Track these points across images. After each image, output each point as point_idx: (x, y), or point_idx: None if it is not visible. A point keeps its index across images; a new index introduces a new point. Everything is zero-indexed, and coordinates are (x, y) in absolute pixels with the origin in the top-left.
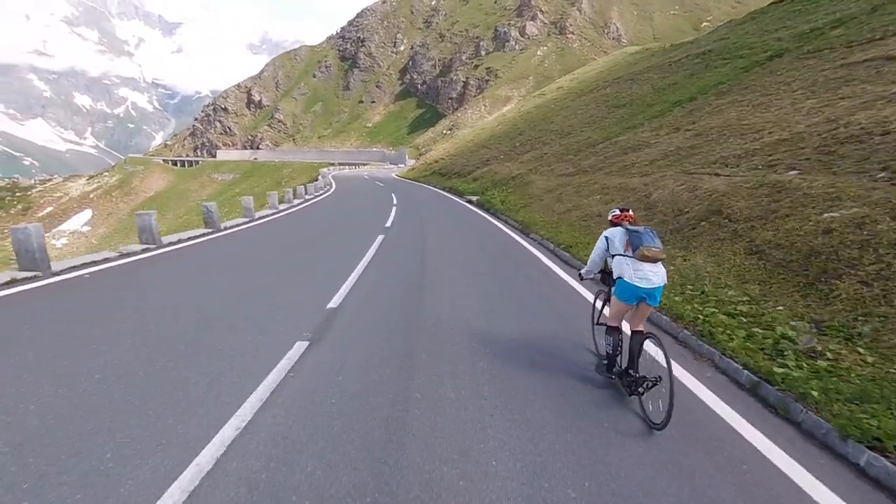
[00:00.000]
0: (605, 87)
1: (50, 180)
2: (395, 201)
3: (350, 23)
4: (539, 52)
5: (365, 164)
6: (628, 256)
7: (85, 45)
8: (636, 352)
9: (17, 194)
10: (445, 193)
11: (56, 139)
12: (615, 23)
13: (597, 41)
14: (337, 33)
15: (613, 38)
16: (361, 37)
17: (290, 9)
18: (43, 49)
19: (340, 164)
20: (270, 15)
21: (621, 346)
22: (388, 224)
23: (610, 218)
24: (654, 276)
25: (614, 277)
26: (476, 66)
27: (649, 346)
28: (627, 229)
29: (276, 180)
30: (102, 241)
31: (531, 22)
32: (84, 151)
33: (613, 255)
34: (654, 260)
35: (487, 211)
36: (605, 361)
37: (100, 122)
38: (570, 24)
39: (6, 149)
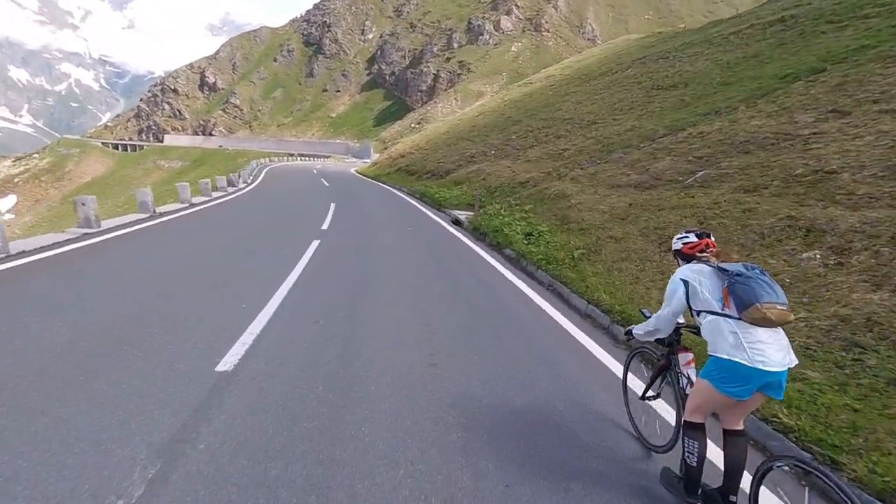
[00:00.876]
0: (623, 70)
1: None
2: (327, 221)
3: (316, 6)
4: (514, 48)
5: (327, 157)
6: (731, 318)
7: (22, 13)
8: (738, 466)
9: None
10: (415, 203)
11: None
12: (591, 23)
13: (572, 40)
14: (301, 16)
15: (588, 39)
16: (327, 21)
17: None
18: None
19: (301, 156)
20: None
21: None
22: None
23: (679, 247)
24: (777, 350)
25: (710, 352)
26: (448, 59)
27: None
28: (722, 270)
29: (229, 170)
30: (28, 230)
31: (506, 17)
32: (19, 130)
33: (699, 311)
34: (776, 324)
35: (494, 247)
36: (683, 478)
37: (38, 98)
38: (546, 22)
39: None
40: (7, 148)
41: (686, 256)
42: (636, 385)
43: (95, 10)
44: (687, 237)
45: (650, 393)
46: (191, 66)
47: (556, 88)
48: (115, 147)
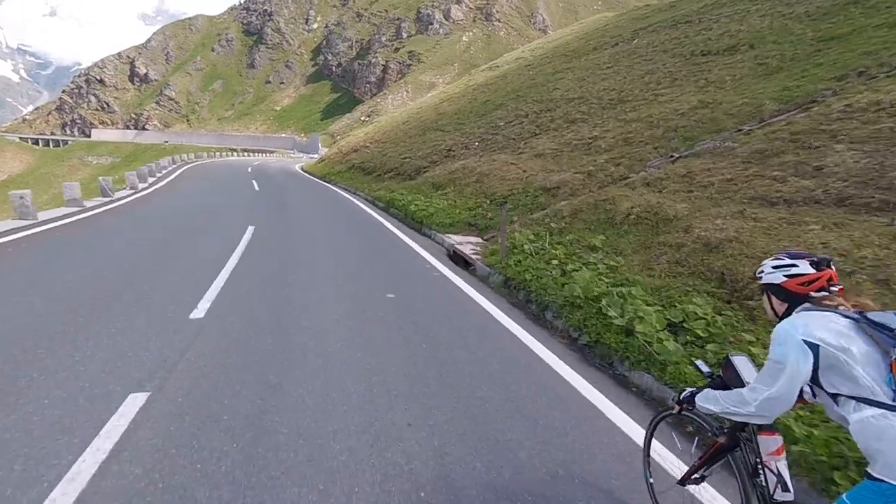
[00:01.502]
0: (628, 41)
1: None
2: (220, 278)
3: None
4: (465, 38)
5: (271, 152)
6: None
7: None
8: None
9: None
10: (379, 217)
11: None
12: (541, 13)
13: (523, 30)
14: (241, 4)
15: (539, 29)
16: (268, 10)
17: None
18: None
19: (245, 151)
20: None
21: None
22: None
23: (780, 281)
24: None
25: (871, 470)
26: (397, 49)
27: None
28: (884, 328)
29: None
30: None
31: (456, 6)
32: None
33: (837, 395)
34: None
35: (590, 358)
36: None
37: None
38: (497, 11)
39: None
40: None
41: (794, 297)
42: (667, 463)
43: None
44: (794, 265)
45: (695, 476)
46: (119, 55)
47: (536, 68)
48: (36, 142)
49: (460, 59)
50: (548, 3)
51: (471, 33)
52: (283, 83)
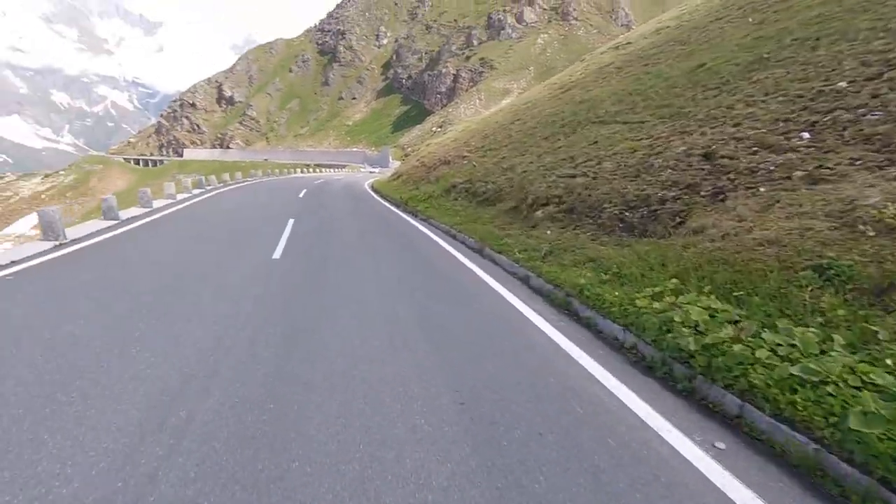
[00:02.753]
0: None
1: (2, 178)
2: None
3: (329, 14)
4: (539, 41)
5: (342, 167)
6: None
7: (63, 42)
8: None
9: None
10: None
11: (32, 136)
12: (624, 8)
13: (604, 28)
14: (315, 26)
15: (623, 25)
16: (341, 29)
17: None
18: (19, 45)
19: (318, 166)
20: (254, 16)
21: None
22: None
23: None
24: None
25: None
26: (468, 58)
27: None
28: None
29: None
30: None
31: (529, 8)
32: (61, 149)
33: None
34: None
35: None
36: None
37: (78, 119)
38: (574, 10)
39: None
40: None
41: None
42: None
43: (128, 37)
44: None
45: None
46: (208, 80)
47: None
48: (136, 162)
49: (536, 62)
50: None
51: (546, 35)
52: (354, 98)
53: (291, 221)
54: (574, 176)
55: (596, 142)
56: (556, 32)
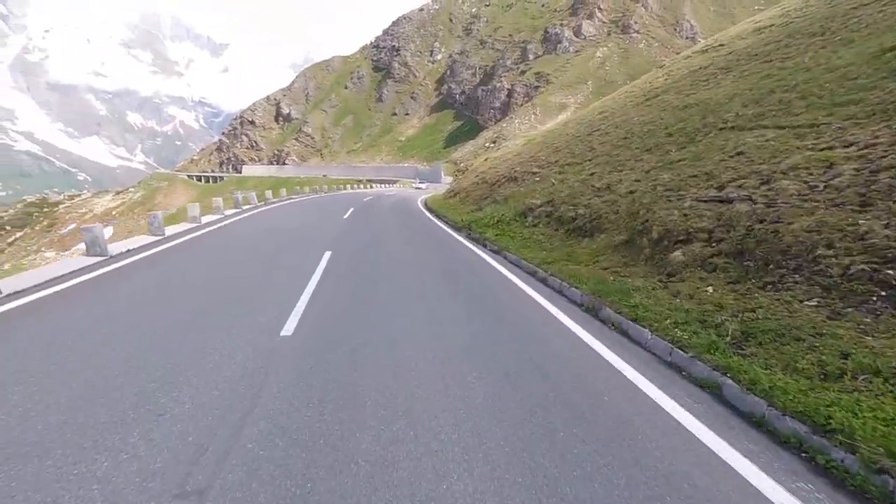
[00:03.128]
0: None
1: (78, 196)
2: None
3: (385, 31)
4: (598, 54)
5: (394, 182)
6: None
7: (139, 66)
8: None
9: (45, 210)
10: None
11: (108, 156)
12: (688, 20)
13: (667, 41)
14: (371, 43)
15: (687, 38)
16: (396, 46)
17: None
18: (101, 70)
19: (370, 181)
20: (314, 35)
21: None
22: None
23: None
24: None
25: None
26: (523, 72)
27: None
28: None
29: None
30: None
31: (588, 21)
32: (134, 167)
33: None
34: None
35: None
36: None
37: (149, 139)
38: (635, 23)
39: (64, 165)
40: (123, 183)
41: None
42: None
43: (197, 59)
44: None
45: None
46: (267, 98)
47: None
48: (199, 179)
49: (594, 76)
50: (696, 9)
51: (605, 48)
52: (407, 114)
53: (327, 256)
54: (727, 201)
55: (741, 153)
56: (616, 46)
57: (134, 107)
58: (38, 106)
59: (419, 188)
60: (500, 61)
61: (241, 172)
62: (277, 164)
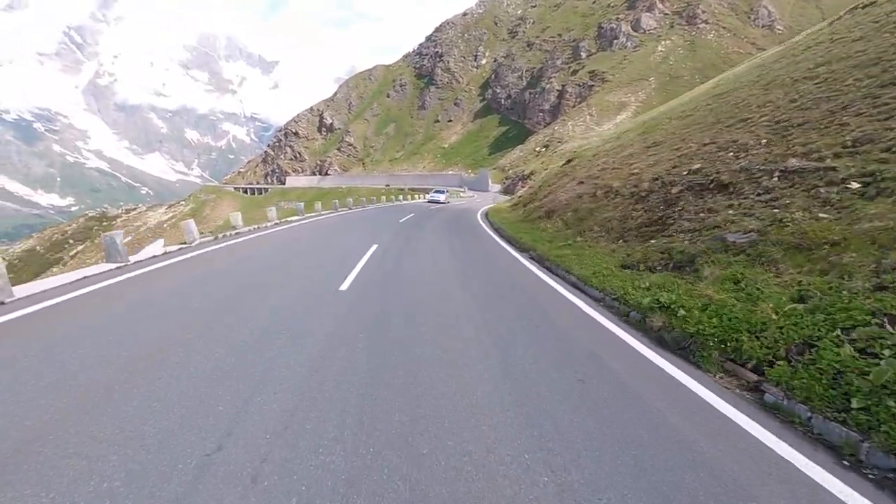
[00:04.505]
0: None
1: (134, 209)
2: None
3: (428, 38)
4: (660, 48)
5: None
6: None
7: (196, 85)
8: None
9: (104, 224)
10: None
11: (169, 171)
12: (765, 6)
13: (740, 30)
14: (414, 50)
15: (764, 26)
16: (439, 52)
17: (377, 38)
18: (162, 90)
19: (412, 191)
20: (357, 47)
21: None
22: None
23: None
24: None
25: None
26: (575, 72)
27: None
28: None
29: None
30: None
31: (647, 13)
32: (191, 181)
33: None
34: None
35: None
36: None
37: (205, 154)
38: (703, 12)
39: (129, 180)
40: (181, 196)
41: None
42: None
43: (249, 76)
44: None
45: None
46: (311, 109)
47: None
48: (244, 191)
49: (657, 72)
50: None
51: (668, 42)
52: (450, 121)
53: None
54: None
55: None
56: (681, 38)
57: (191, 124)
58: (106, 126)
59: (471, 194)
60: (549, 62)
61: (284, 184)
62: (320, 174)
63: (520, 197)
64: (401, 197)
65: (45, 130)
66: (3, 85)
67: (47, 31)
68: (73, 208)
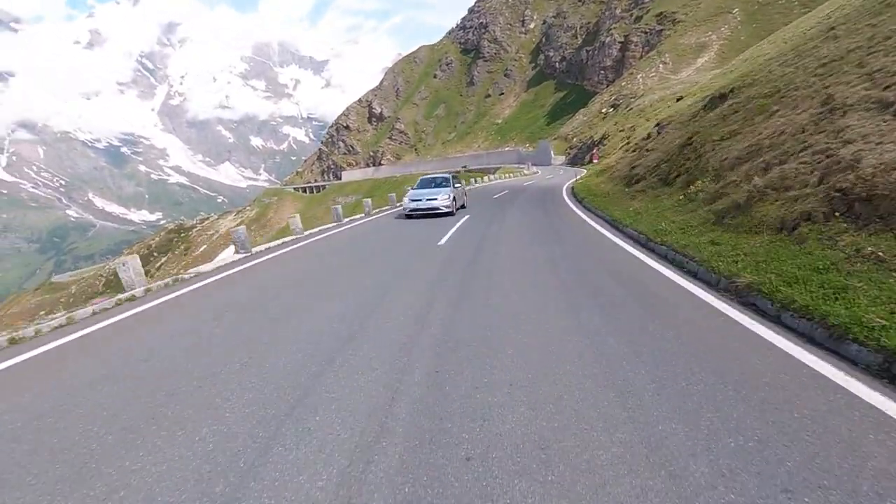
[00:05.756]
0: None
1: (207, 219)
2: None
3: (470, 10)
4: None
5: (495, 169)
6: None
7: (255, 93)
8: None
9: (182, 235)
10: None
11: (239, 178)
12: None
13: None
14: (457, 25)
15: None
16: (484, 22)
17: (419, 22)
18: (226, 103)
19: (468, 172)
20: (403, 39)
21: None
22: None
23: None
24: None
25: None
26: (639, 18)
27: None
28: None
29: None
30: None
31: None
32: (259, 185)
33: None
34: None
35: None
36: None
37: (270, 158)
38: None
39: (206, 191)
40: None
41: None
42: None
43: (302, 79)
44: None
45: None
46: (359, 101)
47: None
48: (304, 190)
49: (741, 1)
50: None
51: None
52: (502, 94)
53: None
54: None
55: None
56: None
57: (254, 131)
58: (181, 143)
59: (531, 174)
60: (607, 13)
61: (340, 179)
62: (374, 165)
63: (600, 165)
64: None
65: (131, 153)
66: (92, 116)
67: (123, 61)
68: (162, 222)
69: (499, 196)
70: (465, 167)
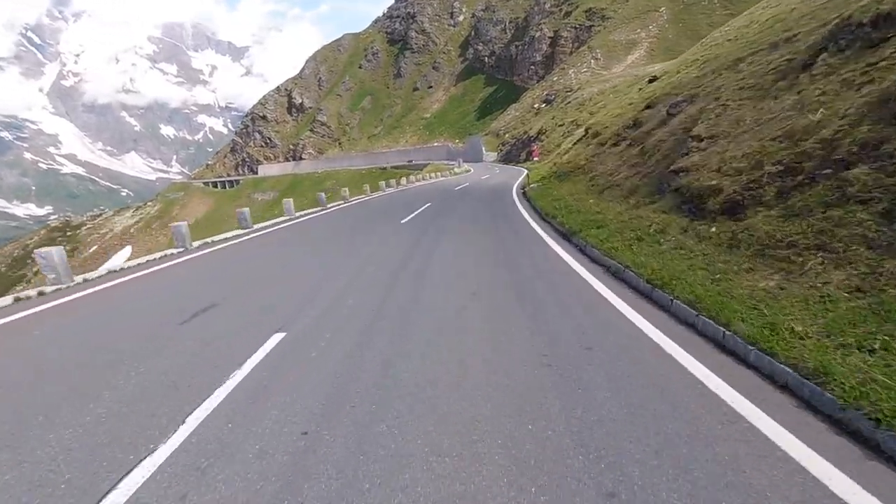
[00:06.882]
0: None
1: (99, 215)
2: None
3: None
4: None
5: (420, 167)
6: None
7: (165, 78)
8: None
9: (68, 234)
10: None
11: (147, 170)
12: None
13: None
14: (384, 14)
15: None
16: (411, 12)
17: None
18: (131, 86)
19: (394, 169)
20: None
21: None
22: None
23: None
24: None
25: None
26: (568, 13)
27: None
28: None
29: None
30: None
31: None
32: (171, 178)
33: None
34: None
35: None
36: None
37: (183, 149)
38: None
39: (107, 183)
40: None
41: None
42: None
43: (220, 65)
44: None
45: None
46: (278, 89)
47: None
48: (214, 185)
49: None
50: None
51: None
52: (431, 87)
53: None
54: None
55: None
56: None
57: (165, 119)
58: (77, 129)
59: (462, 172)
60: (536, 8)
61: (256, 173)
62: (294, 160)
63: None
64: (403, 180)
65: (14, 139)
66: None
67: (2, 33)
68: (53, 217)
69: (407, 220)
70: (410, 161)
